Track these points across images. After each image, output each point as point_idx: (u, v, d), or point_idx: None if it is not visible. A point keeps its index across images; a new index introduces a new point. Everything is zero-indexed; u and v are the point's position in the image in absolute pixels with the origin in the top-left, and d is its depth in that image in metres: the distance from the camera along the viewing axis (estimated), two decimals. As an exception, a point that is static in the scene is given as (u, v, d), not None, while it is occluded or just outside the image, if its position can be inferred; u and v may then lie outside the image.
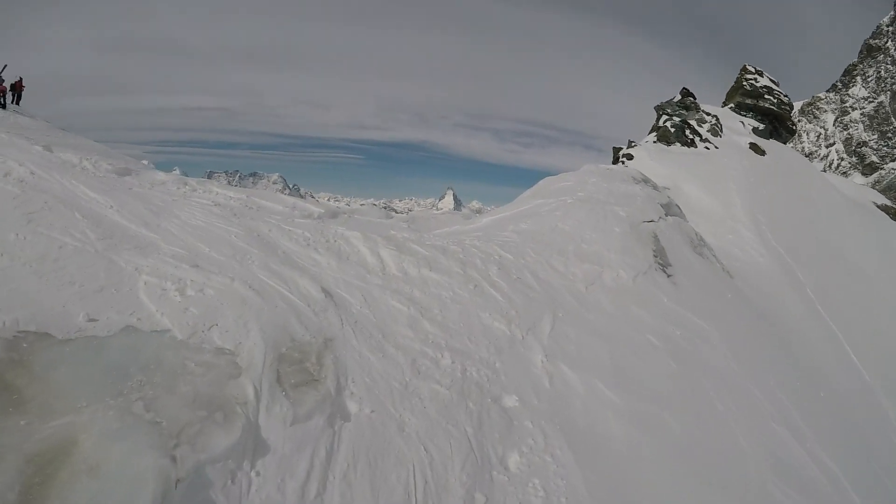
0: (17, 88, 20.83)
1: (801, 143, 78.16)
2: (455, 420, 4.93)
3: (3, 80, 18.70)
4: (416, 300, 6.78)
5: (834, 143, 76.94)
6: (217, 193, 9.55)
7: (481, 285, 7.63)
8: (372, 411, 4.67)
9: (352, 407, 4.63)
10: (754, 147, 32.13)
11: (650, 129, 33.19)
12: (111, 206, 7.43)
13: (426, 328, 6.22)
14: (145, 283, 5.43)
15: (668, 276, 11.43)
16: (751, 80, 36.23)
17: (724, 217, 25.35)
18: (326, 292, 6.24)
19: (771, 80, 36.60)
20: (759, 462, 7.26)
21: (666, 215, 15.05)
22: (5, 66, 19.21)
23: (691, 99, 33.24)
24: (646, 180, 19.47)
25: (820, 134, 79.45)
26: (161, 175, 10.19)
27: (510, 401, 5.61)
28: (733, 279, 15.85)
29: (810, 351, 15.70)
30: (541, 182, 19.65)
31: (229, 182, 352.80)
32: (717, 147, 30.44)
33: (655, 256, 11.56)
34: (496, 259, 8.73)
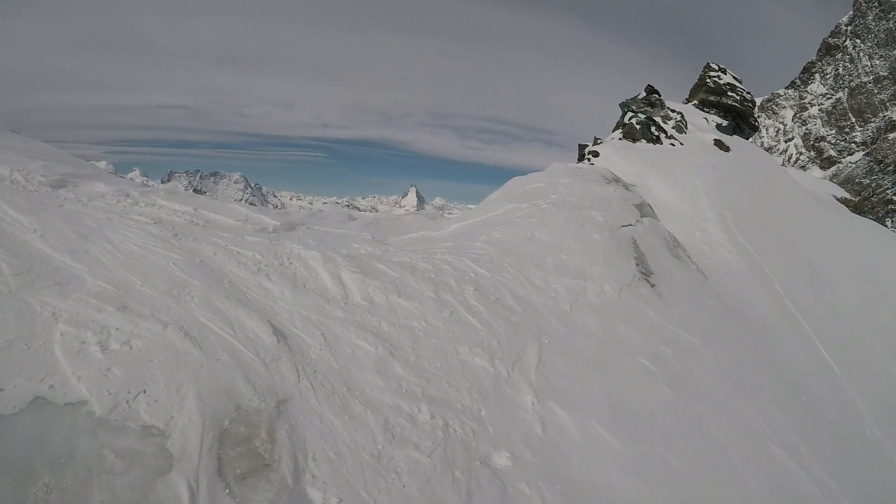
0: None
1: (760, 137, 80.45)
2: (440, 498, 4.08)
3: None
4: (385, 335, 5.89)
5: (793, 139, 79.46)
6: (161, 207, 8.41)
7: (457, 311, 6.79)
8: (340, 501, 3.76)
9: (315, 497, 3.70)
10: (719, 143, 32.35)
11: (615, 126, 32.84)
12: (35, 230, 6.39)
13: (398, 373, 5.34)
14: (62, 335, 4.45)
15: (652, 285, 10.87)
16: (714, 77, 36.52)
17: (691, 214, 25.29)
18: (279, 334, 5.29)
19: (734, 77, 37.00)
20: (763, 492, 6.73)
21: (641, 217, 14.58)
22: None
23: (656, 96, 33.07)
24: (616, 180, 19.01)
25: (779, 129, 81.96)
26: (101, 186, 8.95)
27: (501, 459, 4.80)
28: (708, 280, 15.55)
29: (785, 351, 15.54)
30: (509, 183, 18.98)
31: (190, 182, 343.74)
32: (682, 144, 30.38)
33: (637, 265, 10.98)
34: (471, 277, 7.91)
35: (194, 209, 8.74)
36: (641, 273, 10.96)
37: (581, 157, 28.50)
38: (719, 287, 15.94)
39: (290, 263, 6.88)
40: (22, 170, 8.66)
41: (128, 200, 8.56)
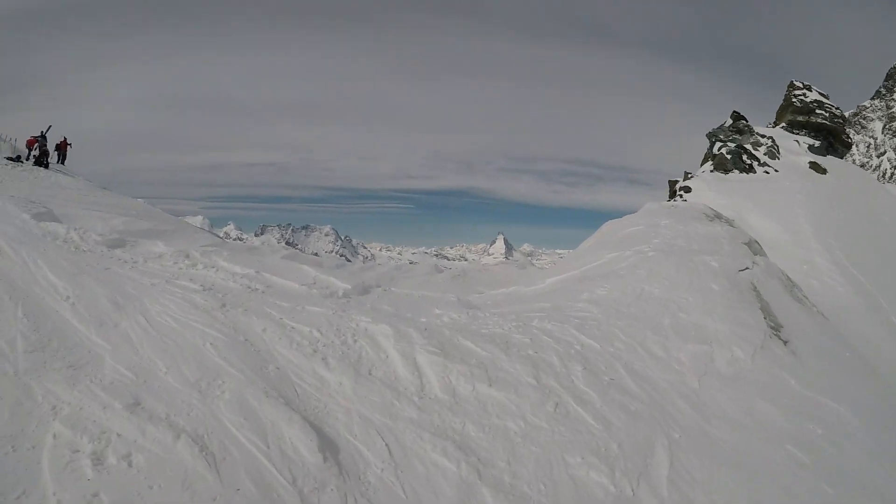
0: (62, 148, 20.78)
1: (850, 155, 73.26)
2: None
3: (47, 141, 18.37)
4: (471, 444, 4.38)
5: (885, 152, 71.69)
6: (219, 269, 7.56)
7: (564, 402, 5.18)
8: None
9: None
10: (814, 166, 29.20)
11: (703, 158, 30.61)
12: (68, 297, 5.69)
13: (488, 505, 3.81)
14: (55, 437, 3.56)
15: (784, 342, 8.71)
16: (800, 95, 33.31)
17: (794, 246, 22.42)
18: (329, 447, 3.95)
19: (820, 93, 33.61)
20: None
21: (754, 257, 12.38)
22: (49, 127, 19.14)
23: (743, 122, 30.52)
24: (718, 216, 17.00)
25: (869, 144, 74.07)
26: (160, 246, 8.34)
27: None
28: (829, 322, 12.90)
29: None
30: (604, 227, 17.12)
31: (282, 235, 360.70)
32: (776, 170, 27.64)
33: (765, 318, 8.90)
34: (577, 351, 6.29)
35: (256, 272, 7.80)
36: (771, 328, 8.86)
37: (672, 194, 26.95)
38: (843, 330, 13.26)
39: (355, 342, 5.60)
40: (79, 228, 8.12)
41: (185, 262, 7.76)
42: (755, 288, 10.03)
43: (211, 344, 5.09)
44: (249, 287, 6.99)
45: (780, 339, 8.80)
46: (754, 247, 13.67)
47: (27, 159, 17.64)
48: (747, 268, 10.70)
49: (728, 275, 9.65)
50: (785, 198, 25.07)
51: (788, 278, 13.15)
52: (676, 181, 27.65)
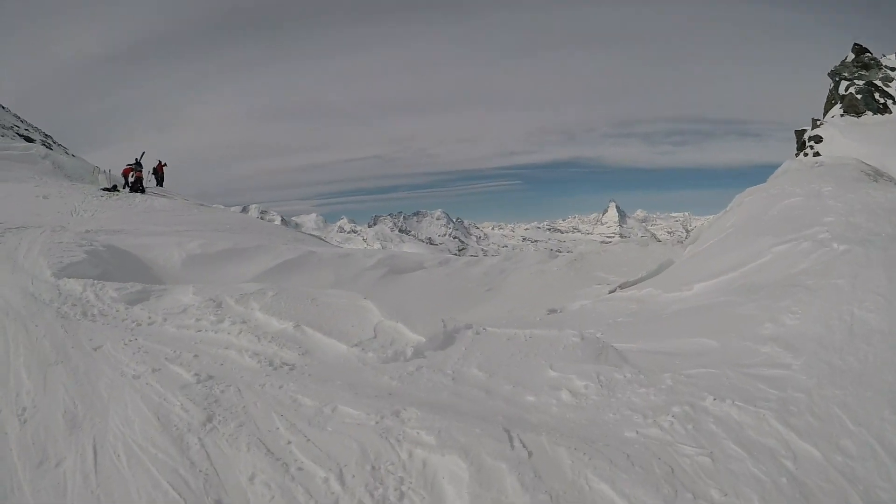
0: (158, 171, 21.53)
1: None
2: None
3: (142, 167, 19.04)
4: None
5: None
6: (248, 327, 5.60)
7: None
8: None
9: None
10: (965, 96, 21.21)
11: (826, 101, 24.96)
12: (24, 409, 4.03)
13: None
14: None
15: None
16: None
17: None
18: None
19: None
20: None
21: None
22: (143, 153, 20.26)
23: (868, 55, 24.27)
24: (878, 173, 14.20)
25: None
26: (188, 297, 6.50)
27: None
28: None
29: None
30: (745, 198, 13.36)
31: (395, 223, 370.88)
32: (917, 107, 21.85)
33: None
34: (790, 476, 3.29)
35: (295, 326, 5.65)
36: None
37: (801, 146, 22.52)
38: None
39: (401, 499, 2.98)
40: (97, 286, 6.60)
41: (211, 318, 5.89)
42: None
43: (169, 488, 2.96)
44: (272, 363, 4.86)
45: None
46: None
47: (123, 188, 18.16)
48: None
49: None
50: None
51: None
52: (804, 130, 22.77)
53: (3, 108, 37.65)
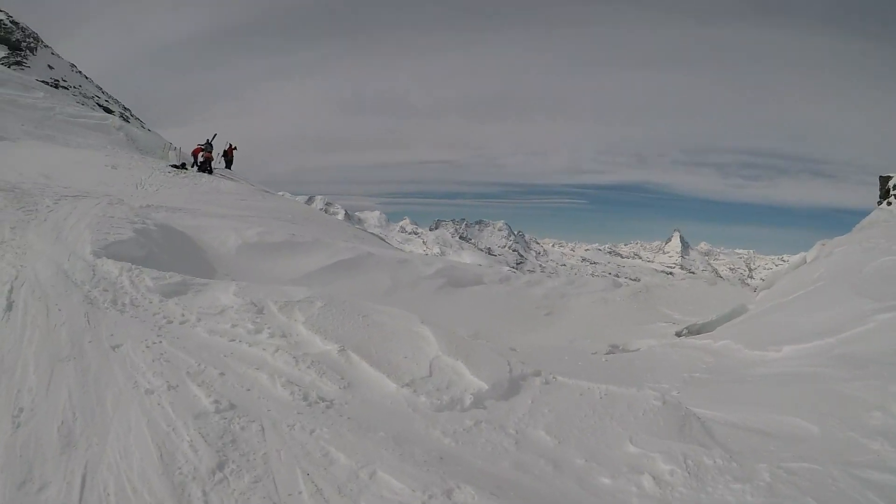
0: (228, 154, 21.68)
1: None
2: None
3: (213, 149, 19.16)
4: None
5: None
6: (287, 343, 4.86)
7: None
8: None
9: None
10: None
11: None
12: (21, 410, 3.51)
13: None
14: None
15: None
16: None
17: None
18: None
19: None
20: None
21: None
22: (215, 135, 20.31)
23: None
24: None
25: None
26: (229, 297, 5.82)
27: None
28: None
29: None
30: (833, 251, 11.75)
31: (456, 230, 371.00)
32: None
33: None
34: None
35: (341, 349, 4.85)
36: None
37: (884, 194, 19.45)
38: None
39: None
40: (133, 270, 6.08)
41: (249, 325, 5.16)
42: None
43: None
44: (307, 396, 4.03)
45: None
46: None
47: (192, 166, 18.28)
48: None
49: None
50: None
51: None
52: (889, 177, 19.64)
53: (87, 78, 39.80)
